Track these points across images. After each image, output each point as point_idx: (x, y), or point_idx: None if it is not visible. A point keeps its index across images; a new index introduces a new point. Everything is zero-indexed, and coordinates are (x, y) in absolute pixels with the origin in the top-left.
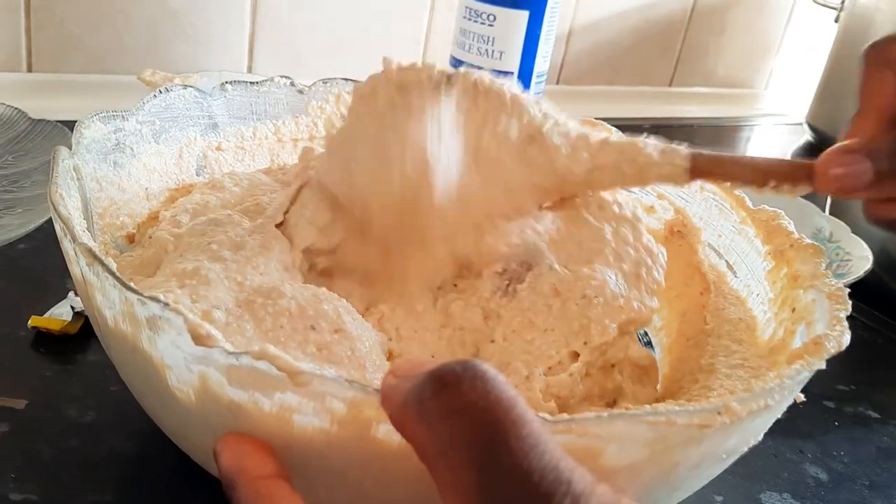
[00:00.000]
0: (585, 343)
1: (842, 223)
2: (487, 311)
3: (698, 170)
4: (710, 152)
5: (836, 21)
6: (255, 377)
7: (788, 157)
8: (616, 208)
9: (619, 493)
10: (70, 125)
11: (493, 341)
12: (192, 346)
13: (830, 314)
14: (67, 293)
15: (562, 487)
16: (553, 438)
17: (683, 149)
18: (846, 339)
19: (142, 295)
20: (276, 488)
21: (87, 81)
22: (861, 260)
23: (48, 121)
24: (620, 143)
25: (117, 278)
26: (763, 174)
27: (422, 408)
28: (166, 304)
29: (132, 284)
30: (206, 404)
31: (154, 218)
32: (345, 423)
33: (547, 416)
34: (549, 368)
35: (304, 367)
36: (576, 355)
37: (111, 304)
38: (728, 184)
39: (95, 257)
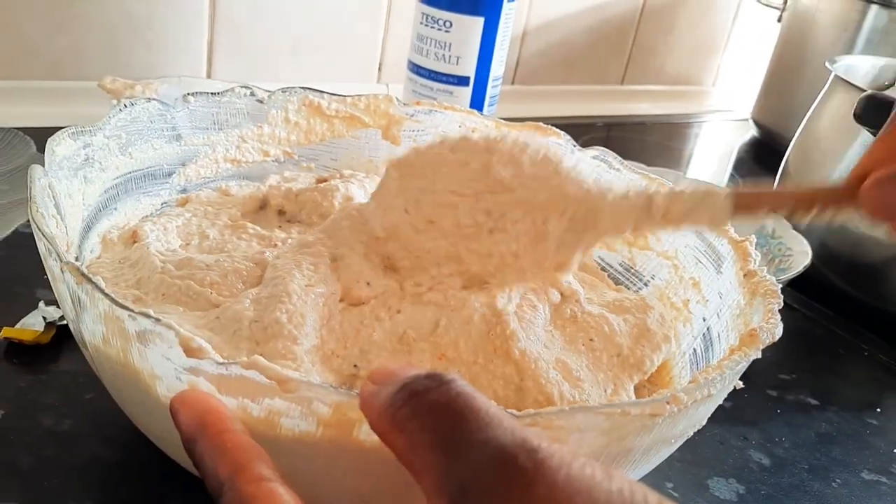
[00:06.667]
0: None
1: (783, 221)
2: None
3: (741, 206)
4: (748, 189)
5: (779, 20)
6: (244, 385)
7: (735, 152)
8: None
9: (571, 452)
10: (29, 132)
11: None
12: (183, 358)
13: (765, 308)
14: (38, 303)
15: (518, 446)
16: (510, 417)
17: (723, 190)
18: (779, 330)
19: (133, 311)
20: (244, 440)
21: (46, 88)
22: (801, 255)
23: (7, 128)
24: (665, 192)
25: (107, 295)
26: (808, 201)
27: (395, 416)
28: (157, 320)
29: (123, 301)
30: None
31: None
32: (330, 426)
33: (514, 411)
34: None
35: (292, 374)
36: None
37: (99, 320)
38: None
39: (84, 276)
